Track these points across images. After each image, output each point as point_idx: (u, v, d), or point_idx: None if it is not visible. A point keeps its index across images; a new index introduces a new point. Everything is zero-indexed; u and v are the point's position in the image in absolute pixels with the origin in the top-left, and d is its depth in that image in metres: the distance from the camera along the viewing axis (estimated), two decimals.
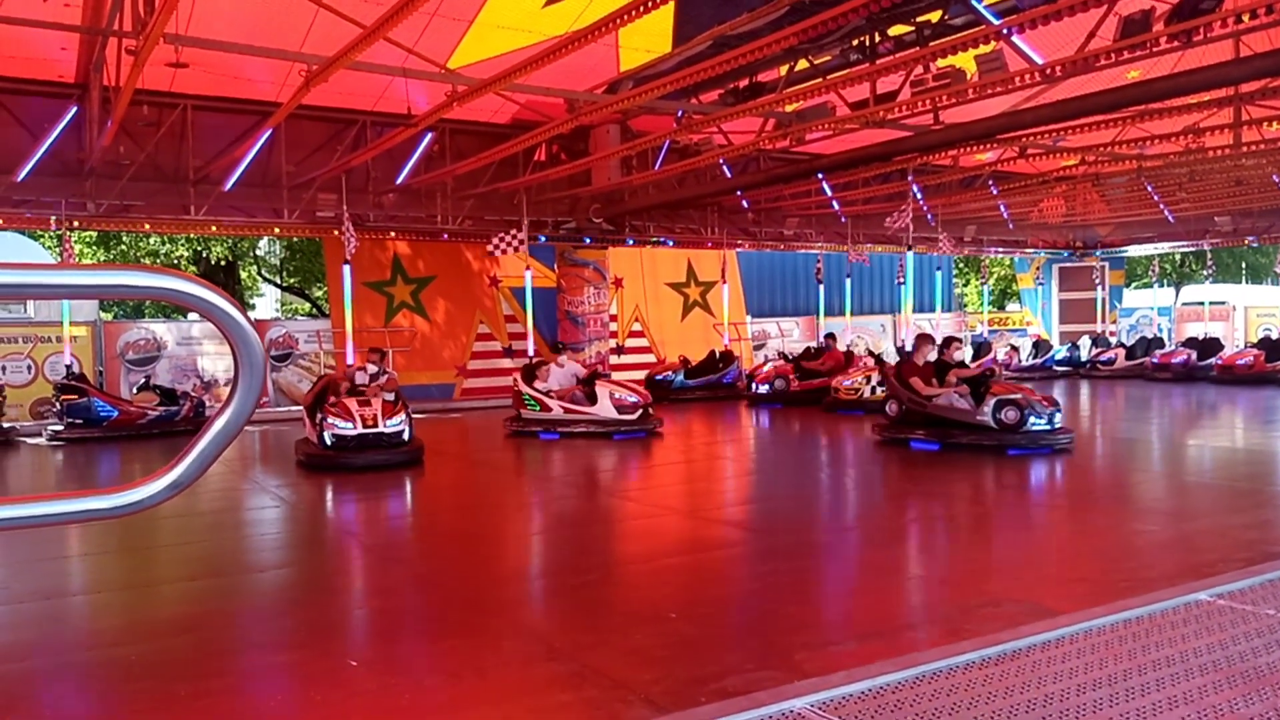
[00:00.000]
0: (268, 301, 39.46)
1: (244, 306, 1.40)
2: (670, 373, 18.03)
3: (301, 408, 11.10)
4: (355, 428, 10.04)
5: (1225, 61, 9.97)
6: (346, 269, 11.86)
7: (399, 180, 15.93)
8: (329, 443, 10.04)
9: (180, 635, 4.68)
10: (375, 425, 10.08)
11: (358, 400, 10.33)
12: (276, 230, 18.11)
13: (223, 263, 28.17)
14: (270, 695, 3.91)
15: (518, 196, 17.17)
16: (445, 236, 17.64)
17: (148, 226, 16.54)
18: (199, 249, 26.36)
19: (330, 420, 10.07)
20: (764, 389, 16.63)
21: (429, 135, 15.28)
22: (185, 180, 14.70)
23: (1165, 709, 3.03)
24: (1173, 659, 3.46)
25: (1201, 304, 24.48)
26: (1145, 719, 2.96)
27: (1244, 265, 39.10)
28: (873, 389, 14.15)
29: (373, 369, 11.19)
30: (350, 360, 12.23)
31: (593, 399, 12.38)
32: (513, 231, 14.97)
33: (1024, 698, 3.13)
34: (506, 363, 19.33)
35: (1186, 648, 3.59)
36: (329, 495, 8.93)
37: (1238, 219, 22.37)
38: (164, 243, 25.25)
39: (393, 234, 17.51)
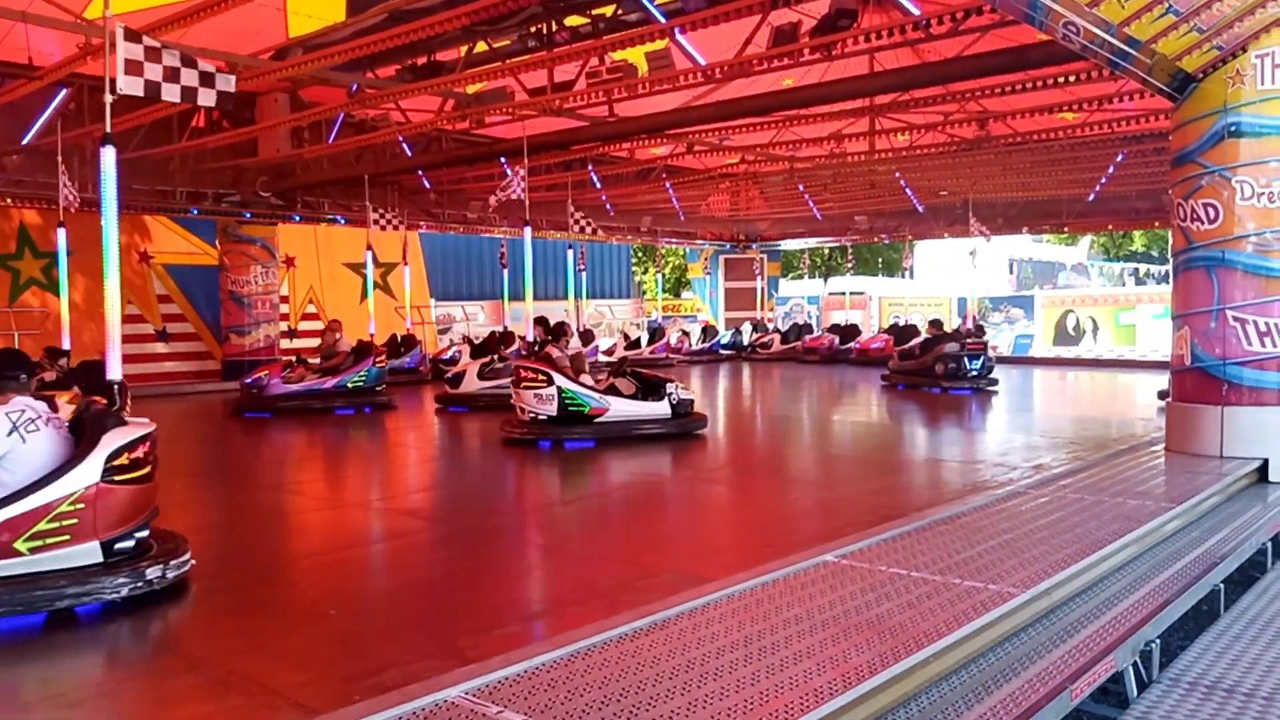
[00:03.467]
0: None
1: None
2: None
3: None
4: None
5: (860, 75, 11.11)
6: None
7: (25, 140, 14.02)
8: None
9: None
10: None
11: None
12: None
13: None
14: None
15: (172, 164, 15.73)
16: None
17: None
18: None
19: None
20: None
21: (63, 91, 13.57)
22: None
23: (792, 662, 3.30)
24: (800, 616, 3.79)
25: (844, 294, 27.25)
26: (774, 673, 3.21)
27: (880, 260, 44.04)
28: None
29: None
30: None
31: None
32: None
33: (670, 664, 3.29)
34: (160, 347, 17.71)
35: (813, 605, 3.94)
36: None
37: (873, 218, 25.13)
38: None
39: (12, 201, 15.38)
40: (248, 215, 17.18)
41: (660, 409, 10.03)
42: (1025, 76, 10.33)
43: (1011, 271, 39.73)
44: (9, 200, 15.33)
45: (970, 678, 3.50)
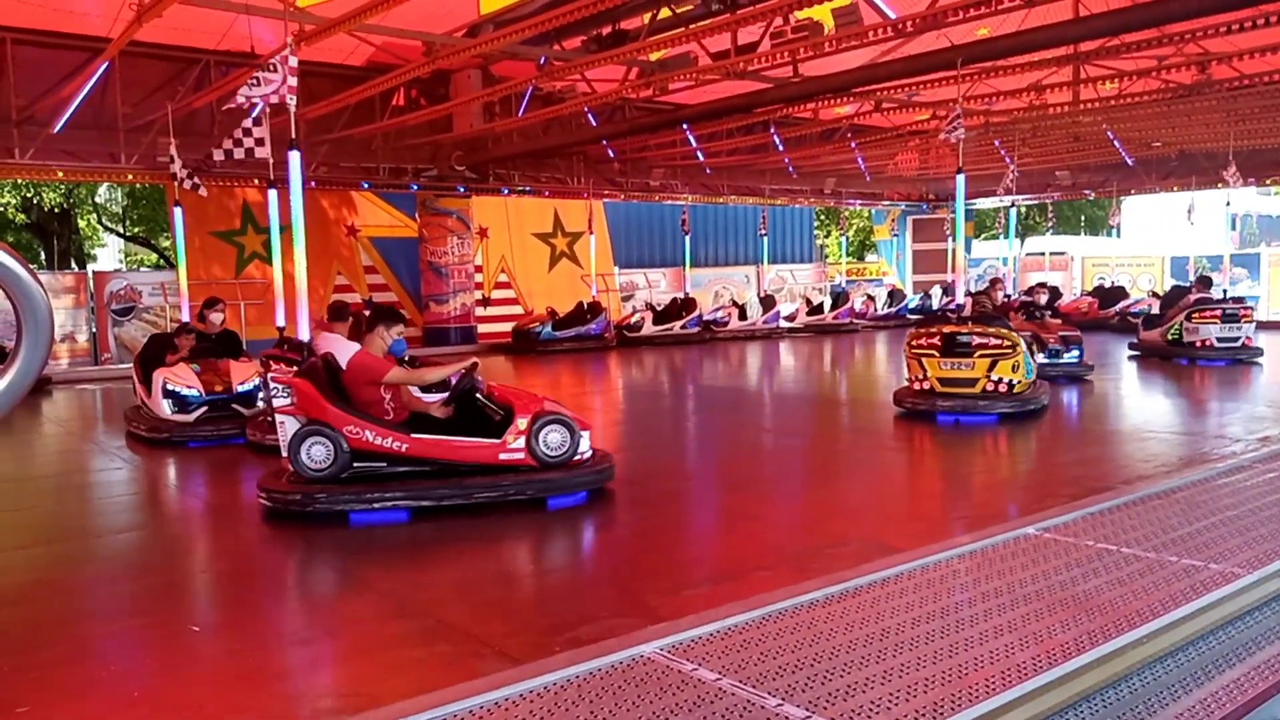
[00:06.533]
0: (110, 252, 37.21)
1: (24, 258, 1.27)
2: (538, 324, 17.92)
3: None
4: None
5: (1064, 21, 10.41)
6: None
7: (247, 123, 15.12)
8: None
9: (7, 608, 4.40)
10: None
11: None
12: (114, 176, 16.98)
13: (56, 210, 26.37)
14: (105, 665, 3.72)
15: (375, 142, 16.63)
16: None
17: None
18: (28, 195, 24.55)
19: None
20: None
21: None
22: (7, 121, 13.59)
23: (992, 637, 3.21)
24: (1000, 590, 3.67)
25: (1043, 254, 25.81)
26: (973, 646, 3.13)
27: (1082, 218, 41.40)
28: None
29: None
30: None
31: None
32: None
33: (864, 632, 3.27)
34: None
35: (1013, 579, 3.81)
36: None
37: (1076, 173, 23.61)
38: None
39: (236, 181, 16.65)
40: (461, 189, 17.90)
41: None
42: (1255, 12, 9.39)
43: (1234, 228, 36.46)
44: (232, 180, 16.60)
45: (1188, 661, 3.29)
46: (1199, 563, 3.93)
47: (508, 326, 18.77)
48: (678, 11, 11.15)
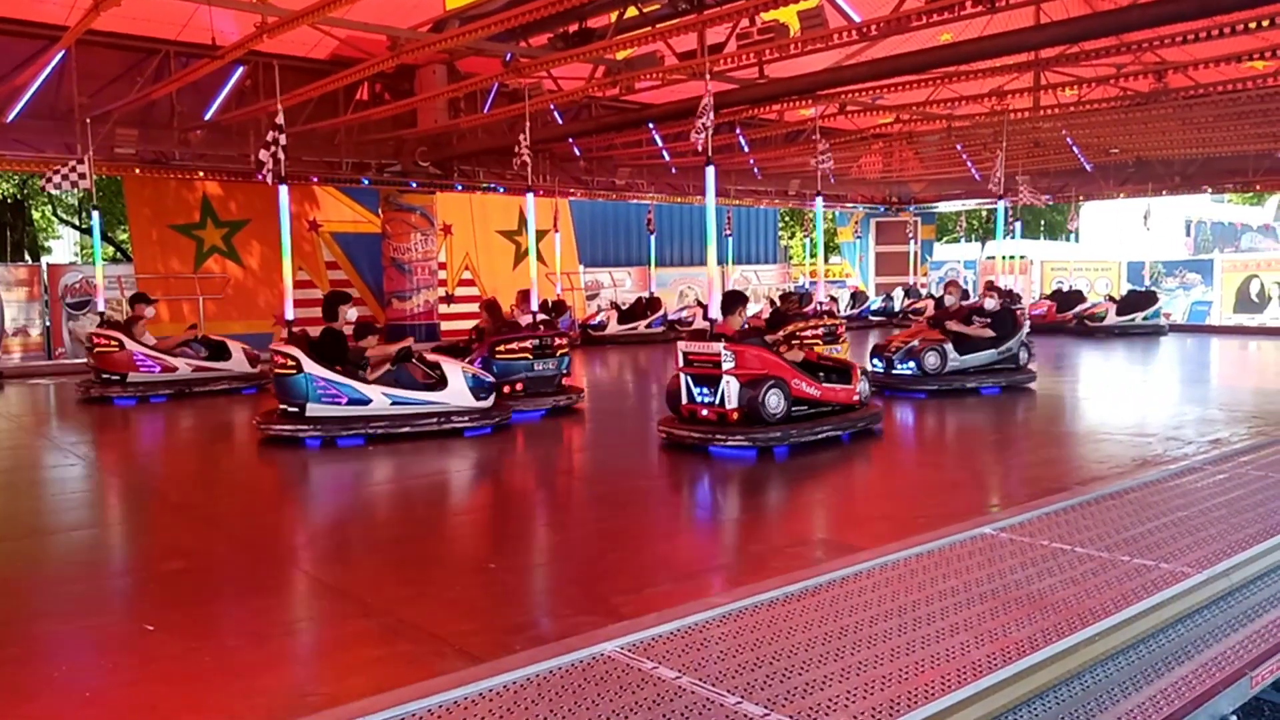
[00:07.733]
0: (66, 245, 36.52)
1: None
2: None
3: None
4: None
5: (1025, 28, 10.56)
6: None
7: (207, 115, 14.94)
8: None
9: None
10: None
11: None
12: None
13: (9, 201, 25.85)
14: (56, 665, 3.66)
15: (338, 137, 16.47)
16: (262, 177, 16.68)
17: None
18: None
19: None
20: None
21: (240, 69, 14.38)
22: None
23: (948, 634, 3.25)
24: (957, 589, 3.71)
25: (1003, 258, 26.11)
26: (929, 644, 3.17)
27: (1042, 222, 41.96)
28: None
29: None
30: None
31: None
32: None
33: (822, 630, 3.30)
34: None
35: (970, 578, 3.86)
36: None
37: (1036, 178, 23.94)
38: None
39: (201, 174, 16.40)
40: (414, 185, 17.75)
41: None
42: (1211, 23, 9.58)
43: (1188, 234, 37.17)
44: (200, 174, 16.35)
45: (1139, 659, 3.36)
46: (1150, 562, 4.01)
47: (472, 324, 18.66)
48: (644, 11, 11.15)
